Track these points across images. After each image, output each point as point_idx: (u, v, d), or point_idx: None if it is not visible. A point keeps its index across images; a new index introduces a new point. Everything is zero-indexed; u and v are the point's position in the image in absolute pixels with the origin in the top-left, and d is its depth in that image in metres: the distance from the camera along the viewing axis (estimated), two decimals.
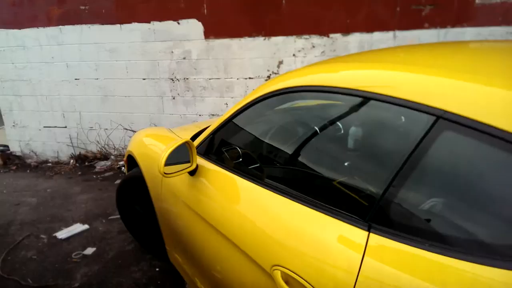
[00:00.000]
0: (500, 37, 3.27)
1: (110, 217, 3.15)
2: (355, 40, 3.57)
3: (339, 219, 1.00)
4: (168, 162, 1.51)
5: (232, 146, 1.66)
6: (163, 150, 1.49)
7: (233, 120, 1.64)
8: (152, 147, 2.24)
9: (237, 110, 1.60)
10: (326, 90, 1.27)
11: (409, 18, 3.39)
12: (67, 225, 3.05)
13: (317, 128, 1.51)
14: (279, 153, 1.61)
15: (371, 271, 0.86)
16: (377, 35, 3.50)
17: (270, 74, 3.87)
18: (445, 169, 0.90)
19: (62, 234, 2.89)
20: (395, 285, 0.81)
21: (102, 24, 4.22)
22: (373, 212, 0.95)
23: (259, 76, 3.91)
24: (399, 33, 3.45)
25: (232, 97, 4.05)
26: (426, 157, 0.89)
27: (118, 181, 3.99)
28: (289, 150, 1.57)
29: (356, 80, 1.15)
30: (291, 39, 3.73)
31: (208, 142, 1.71)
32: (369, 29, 3.51)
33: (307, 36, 3.69)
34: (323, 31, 3.63)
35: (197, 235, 1.64)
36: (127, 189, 2.47)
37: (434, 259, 0.78)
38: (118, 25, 4.17)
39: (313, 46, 3.69)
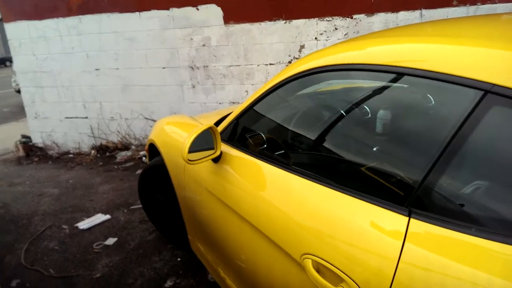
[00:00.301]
0: None
1: (131, 207, 3.13)
2: (380, 20, 3.40)
3: (375, 204, 0.91)
4: (192, 149, 1.43)
5: (256, 132, 1.57)
6: (187, 136, 1.41)
7: (256, 105, 1.55)
8: (174, 135, 2.17)
9: (260, 95, 1.51)
10: (355, 68, 1.16)
11: None
12: (89, 215, 3.04)
13: (345, 111, 1.40)
14: (306, 139, 1.51)
15: (413, 258, 0.79)
16: (402, 15, 3.32)
17: (292, 59, 3.74)
18: (493, 149, 0.79)
19: (83, 224, 2.87)
20: (440, 271, 0.73)
21: (121, 12, 4.17)
22: (413, 197, 0.85)
23: (280, 61, 3.79)
24: (425, 12, 3.26)
25: (253, 84, 3.95)
26: (472, 136, 0.79)
27: (139, 171, 3.97)
28: (316, 135, 1.46)
29: (388, 55, 1.05)
30: (312, 22, 3.59)
31: (232, 128, 1.62)
32: (394, 8, 3.33)
33: (329, 18, 3.53)
34: (346, 12, 3.47)
35: (221, 223, 1.57)
36: (149, 178, 2.42)
37: (480, 244, 0.71)
38: (137, 12, 4.11)
39: (336, 28, 3.54)
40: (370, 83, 1.28)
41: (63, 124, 4.90)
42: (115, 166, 4.22)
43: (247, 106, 1.55)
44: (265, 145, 1.51)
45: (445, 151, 0.81)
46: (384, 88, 1.21)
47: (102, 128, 4.72)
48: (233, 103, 4.09)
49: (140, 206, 2.89)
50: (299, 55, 3.71)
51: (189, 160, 1.41)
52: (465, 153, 0.80)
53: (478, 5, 3.10)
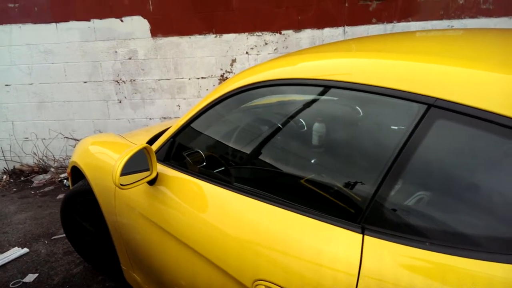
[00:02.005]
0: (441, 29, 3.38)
1: (53, 237, 2.82)
2: (307, 36, 3.53)
3: (326, 222, 0.89)
4: (124, 172, 1.31)
5: (194, 150, 1.49)
6: (118, 158, 1.29)
7: (193, 123, 1.47)
8: (100, 155, 1.99)
9: (197, 112, 1.44)
10: (290, 83, 1.17)
11: (358, 14, 3.41)
12: (3, 250, 2.67)
13: (283, 125, 1.38)
14: (246, 154, 1.46)
15: (372, 276, 0.78)
16: (327, 31, 3.49)
17: (224, 73, 3.71)
18: (439, 161, 0.82)
19: None
20: (396, 284, 0.74)
21: (35, 23, 3.82)
22: (366, 213, 0.84)
23: (212, 75, 3.74)
24: (348, 29, 3.46)
25: (185, 98, 3.84)
26: (419, 149, 0.81)
27: (60, 196, 3.61)
28: (257, 150, 1.43)
29: (324, 70, 1.05)
30: (243, 36, 3.60)
31: (168, 147, 1.52)
32: (320, 25, 3.49)
33: (259, 33, 3.58)
34: (275, 28, 3.55)
35: (160, 250, 1.45)
36: (73, 204, 2.19)
37: (434, 258, 0.72)
38: (54, 23, 3.79)
39: (266, 43, 3.60)
40: (306, 97, 1.28)
41: None
42: (32, 192, 3.80)
43: (184, 123, 1.47)
44: (204, 163, 1.44)
45: (393, 164, 0.81)
46: (317, 102, 1.21)
47: (15, 150, 4.24)
48: (164, 118, 3.94)
49: (64, 235, 2.62)
50: (231, 69, 3.69)
51: (121, 185, 1.28)
52: (413, 166, 0.81)
53: (395, 23, 3.36)
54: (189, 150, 1.51)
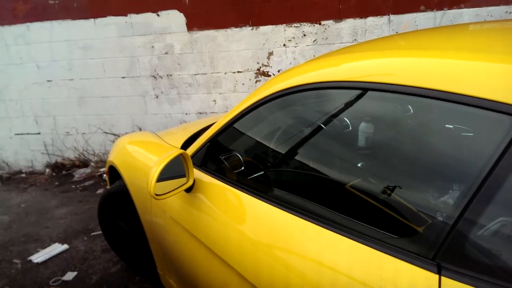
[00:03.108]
0: (499, 17, 3.07)
1: (92, 234, 2.84)
2: (348, 26, 3.32)
3: (389, 254, 0.75)
4: (159, 179, 1.23)
5: (232, 153, 1.39)
6: (153, 166, 1.21)
7: (232, 126, 1.37)
8: (137, 155, 1.94)
9: (236, 115, 1.34)
10: (348, 86, 1.02)
11: (404, 1, 3.16)
12: (44, 245, 2.73)
13: (345, 134, 1.22)
14: (291, 163, 1.34)
15: None
16: (371, 20, 3.26)
17: (260, 67, 3.59)
18: None
19: (38, 257, 2.56)
20: None
21: (74, 19, 3.85)
22: (444, 246, 0.69)
23: (248, 69, 3.63)
24: (394, 17, 3.22)
25: (221, 93, 3.76)
26: None
27: (100, 191, 3.66)
28: (304, 159, 1.30)
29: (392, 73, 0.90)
30: (280, 28, 3.45)
31: (205, 151, 1.43)
32: (363, 14, 3.27)
33: (297, 24, 3.42)
34: (314, 18, 3.37)
35: (198, 262, 1.37)
36: (110, 205, 2.17)
37: None
38: (92, 19, 3.81)
39: (304, 35, 3.43)
40: (364, 102, 1.13)
41: (13, 142, 4.48)
42: (73, 186, 3.88)
43: (222, 126, 1.37)
44: (242, 167, 1.34)
45: (483, 184, 0.66)
46: (373, 106, 1.07)
47: (57, 144, 4.35)
48: (200, 113, 3.88)
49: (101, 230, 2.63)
50: (267, 62, 3.56)
51: (156, 195, 1.20)
52: (507, 190, 0.65)
53: (445, 10, 3.09)
54: (227, 153, 1.41)
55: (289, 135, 1.39)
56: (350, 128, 1.17)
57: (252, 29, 3.50)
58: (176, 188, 1.27)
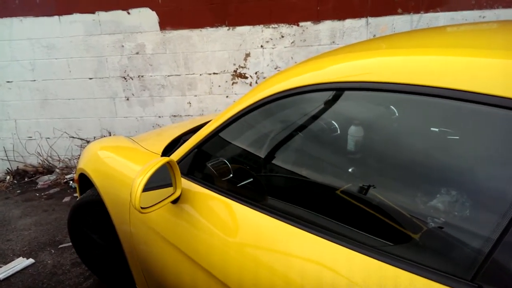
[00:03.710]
0: (473, 20, 3.14)
1: (60, 246, 2.64)
2: (327, 28, 3.30)
3: (420, 275, 0.68)
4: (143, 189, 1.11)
5: (218, 159, 1.29)
6: (137, 175, 1.09)
7: (222, 132, 1.27)
8: (112, 162, 1.80)
9: (227, 120, 1.24)
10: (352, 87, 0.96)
11: (382, 4, 3.18)
12: (7, 260, 2.50)
13: (335, 135, 1.17)
14: (284, 169, 1.26)
15: None
16: (349, 23, 3.26)
17: (237, 68, 3.50)
18: None
19: (0, 273, 2.34)
20: None
21: (37, 16, 3.60)
22: (485, 266, 0.63)
23: (224, 70, 3.52)
24: (372, 20, 3.23)
25: (196, 95, 3.64)
26: None
27: (66, 199, 3.44)
28: (298, 165, 1.23)
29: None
30: (258, 29, 3.38)
31: (192, 158, 1.32)
32: (341, 16, 3.25)
33: (275, 25, 3.36)
34: (292, 20, 3.32)
35: (183, 277, 1.26)
36: (81, 216, 2.00)
37: None
38: (56, 16, 3.58)
39: (282, 36, 3.37)
40: (363, 104, 1.07)
41: None
42: (37, 194, 3.62)
43: (210, 132, 1.27)
44: (231, 175, 1.25)
45: None
46: (377, 109, 1.01)
47: (19, 149, 4.06)
48: (175, 116, 3.74)
49: (71, 244, 2.44)
50: (244, 64, 3.48)
51: (142, 208, 1.09)
52: None
53: (422, 14, 3.12)
54: (214, 160, 1.31)
55: (279, 140, 1.31)
56: (339, 131, 1.11)
57: (228, 29, 3.41)
58: (163, 200, 1.15)
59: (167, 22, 3.46)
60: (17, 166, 4.10)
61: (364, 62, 0.94)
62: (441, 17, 3.13)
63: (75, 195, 3.48)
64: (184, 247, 1.23)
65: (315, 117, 1.16)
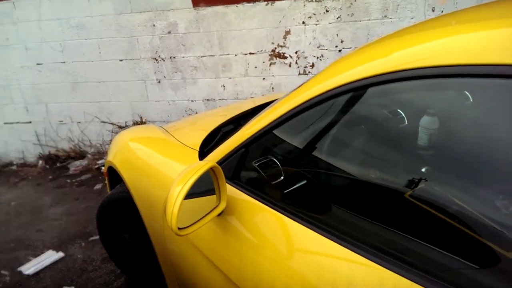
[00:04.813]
0: None
1: (90, 238, 2.51)
2: (378, 0, 2.92)
3: None
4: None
5: (267, 158, 1.04)
6: (174, 184, 0.85)
7: (277, 129, 1.01)
8: (142, 155, 1.58)
9: (281, 115, 0.97)
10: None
11: None
12: (36, 253, 2.39)
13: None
14: (359, 182, 0.99)
15: None
16: None
17: (275, 48, 3.20)
18: None
19: (29, 268, 2.23)
20: None
21: None
22: None
23: (262, 50, 3.23)
24: None
25: (230, 78, 3.38)
26: None
27: (98, 186, 3.32)
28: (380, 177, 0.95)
29: None
30: (299, 3, 3.05)
31: (238, 160, 1.07)
32: None
33: None
34: None
35: None
36: (110, 213, 1.82)
37: None
38: None
39: (327, 11, 3.03)
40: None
41: (2, 131, 4.10)
42: (68, 180, 3.53)
43: (263, 127, 1.01)
44: (282, 178, 1.00)
45: None
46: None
47: (50, 134, 3.98)
48: (208, 100, 3.51)
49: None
50: (284, 43, 3.17)
51: (179, 228, 0.85)
52: None
53: None
54: (260, 159, 1.06)
55: (355, 141, 1.03)
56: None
57: (267, 4, 3.10)
58: (205, 216, 0.91)
59: None
60: (49, 151, 4.03)
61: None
62: None
63: (106, 182, 3.35)
64: (223, 266, 1.00)
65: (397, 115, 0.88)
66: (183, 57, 3.42)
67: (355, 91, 0.84)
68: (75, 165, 3.77)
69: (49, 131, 3.96)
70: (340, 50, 3.09)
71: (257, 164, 1.06)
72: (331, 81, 0.86)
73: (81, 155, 3.93)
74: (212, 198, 0.96)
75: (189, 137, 1.57)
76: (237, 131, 1.21)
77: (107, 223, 1.86)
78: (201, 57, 3.38)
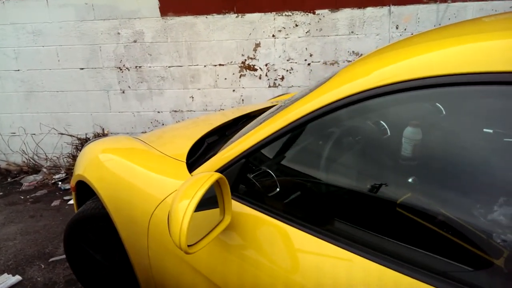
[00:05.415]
0: (503, 10, 2.92)
1: (51, 259, 2.31)
2: (345, 17, 3.03)
3: None
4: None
5: (261, 169, 1.01)
6: (178, 197, 0.79)
7: (279, 140, 0.98)
8: (122, 168, 1.48)
9: (287, 125, 0.94)
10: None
11: None
12: None
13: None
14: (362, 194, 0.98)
15: None
16: (370, 11, 2.99)
17: (245, 60, 3.20)
18: None
19: None
20: None
21: None
22: None
23: (231, 62, 3.22)
24: (395, 9, 2.97)
25: (199, 89, 3.32)
26: None
27: (56, 202, 3.09)
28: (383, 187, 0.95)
29: None
30: (269, 17, 3.08)
31: (238, 171, 1.03)
32: (361, 4, 2.98)
33: (289, 13, 3.06)
34: (308, 7, 3.04)
35: None
36: (81, 232, 1.68)
37: None
38: None
39: (296, 25, 3.08)
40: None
41: None
42: (22, 197, 3.26)
43: (267, 137, 0.97)
44: (278, 189, 0.97)
45: None
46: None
47: (1, 147, 3.67)
48: (175, 111, 3.41)
49: (63, 256, 2.13)
50: (254, 55, 3.18)
51: (188, 246, 0.79)
52: None
53: (449, 3, 2.87)
54: (256, 171, 1.03)
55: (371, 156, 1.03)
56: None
57: (237, 17, 3.09)
58: (210, 232, 0.85)
59: (168, 7, 3.13)
60: None
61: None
62: (469, 7, 2.89)
63: (65, 198, 3.14)
64: (220, 282, 0.94)
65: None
66: (150, 66, 3.32)
67: (342, 108, 0.85)
68: (29, 180, 3.50)
69: None
70: (309, 64, 3.15)
71: (252, 176, 1.03)
72: (326, 97, 0.86)
73: (35, 169, 3.66)
74: (215, 212, 0.91)
75: (172, 148, 1.50)
76: (229, 141, 1.17)
77: (76, 243, 1.72)
78: (169, 67, 3.29)
